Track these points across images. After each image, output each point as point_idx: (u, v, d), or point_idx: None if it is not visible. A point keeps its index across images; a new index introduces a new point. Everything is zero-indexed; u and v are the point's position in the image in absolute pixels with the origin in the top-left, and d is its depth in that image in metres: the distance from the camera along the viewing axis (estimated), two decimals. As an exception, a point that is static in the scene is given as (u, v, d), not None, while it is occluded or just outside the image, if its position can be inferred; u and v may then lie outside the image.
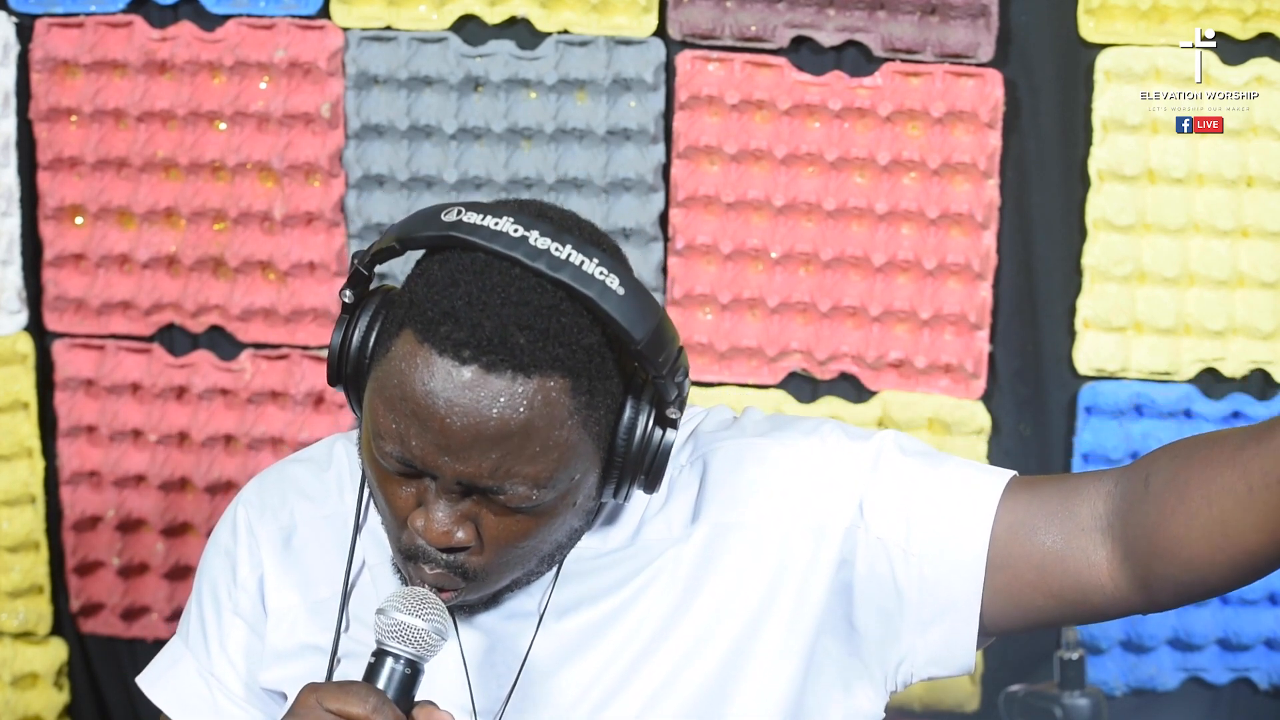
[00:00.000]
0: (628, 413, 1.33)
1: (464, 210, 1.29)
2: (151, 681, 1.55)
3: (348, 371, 1.35)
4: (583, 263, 1.27)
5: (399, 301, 1.32)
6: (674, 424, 1.34)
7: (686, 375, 1.34)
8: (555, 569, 1.43)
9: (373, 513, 1.46)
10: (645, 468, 1.35)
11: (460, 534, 1.31)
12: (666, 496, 1.45)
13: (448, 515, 1.30)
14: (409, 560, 1.34)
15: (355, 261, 1.36)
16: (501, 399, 1.25)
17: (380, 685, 1.26)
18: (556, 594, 1.43)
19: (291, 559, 1.50)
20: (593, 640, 1.42)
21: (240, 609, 1.51)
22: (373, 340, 1.34)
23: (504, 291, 1.26)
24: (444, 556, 1.32)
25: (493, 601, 1.41)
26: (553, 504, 1.32)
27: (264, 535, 1.51)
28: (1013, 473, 1.41)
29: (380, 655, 1.28)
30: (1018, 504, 1.37)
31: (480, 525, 1.32)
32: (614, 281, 1.28)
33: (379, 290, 1.37)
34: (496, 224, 1.27)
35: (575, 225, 1.34)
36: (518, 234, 1.27)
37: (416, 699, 1.28)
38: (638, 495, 1.43)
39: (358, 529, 1.46)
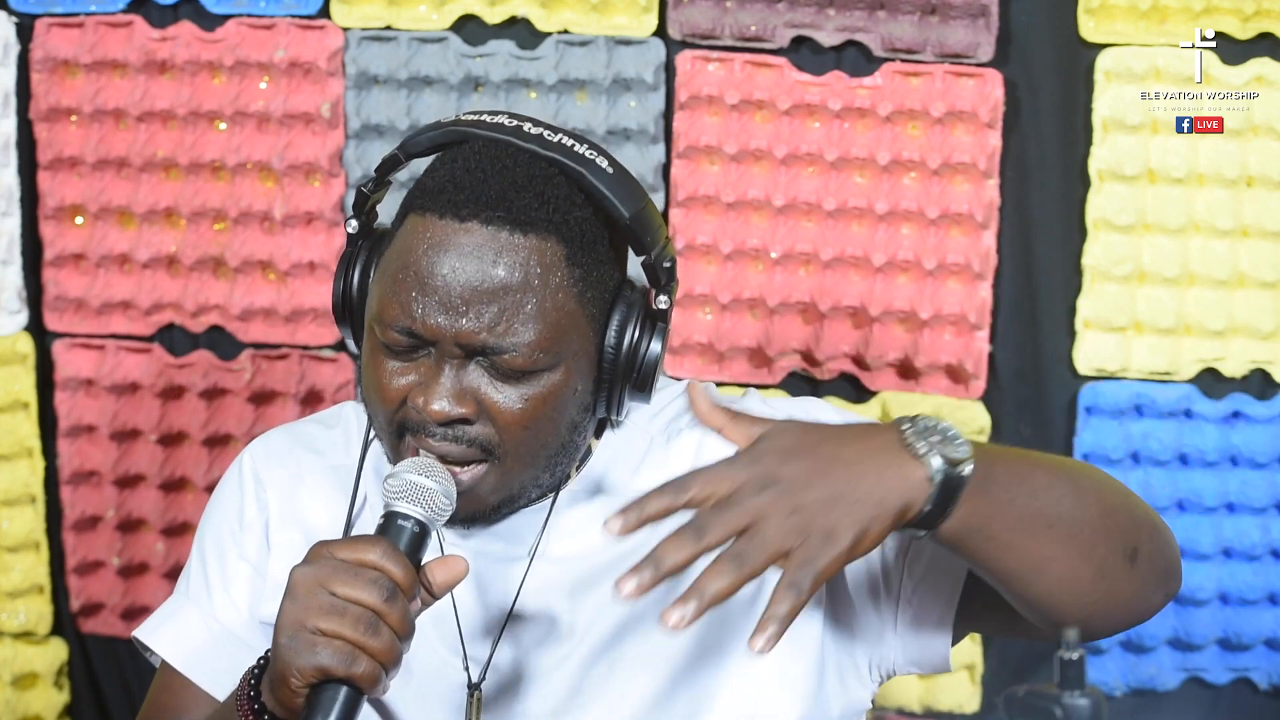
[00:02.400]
0: (620, 308, 1.38)
1: (462, 114, 1.41)
2: (150, 631, 1.55)
3: (354, 302, 1.41)
4: (573, 145, 1.37)
5: (400, 205, 1.40)
6: (664, 317, 1.40)
7: (674, 264, 1.40)
8: (548, 509, 1.44)
9: (376, 455, 1.47)
10: (636, 367, 1.39)
11: (460, 408, 1.34)
12: (665, 453, 1.47)
13: (448, 388, 1.34)
14: (410, 434, 1.36)
15: (361, 188, 1.43)
16: (499, 254, 1.32)
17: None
18: (548, 538, 1.45)
19: (297, 502, 1.53)
20: (587, 587, 1.44)
21: (245, 552, 1.53)
22: (374, 267, 1.40)
23: (500, 163, 1.35)
24: (447, 431, 1.35)
25: (495, 512, 1.42)
26: (554, 382, 1.35)
27: (270, 480, 1.54)
28: None
29: (390, 516, 1.31)
30: None
31: (483, 401, 1.34)
32: (603, 162, 1.38)
33: (379, 227, 1.45)
34: (492, 118, 1.38)
35: (564, 127, 1.42)
36: (512, 124, 1.38)
37: (423, 562, 1.30)
38: (634, 443, 1.46)
39: (362, 463, 1.48)
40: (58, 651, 2.83)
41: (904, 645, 1.43)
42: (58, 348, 2.77)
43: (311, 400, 2.72)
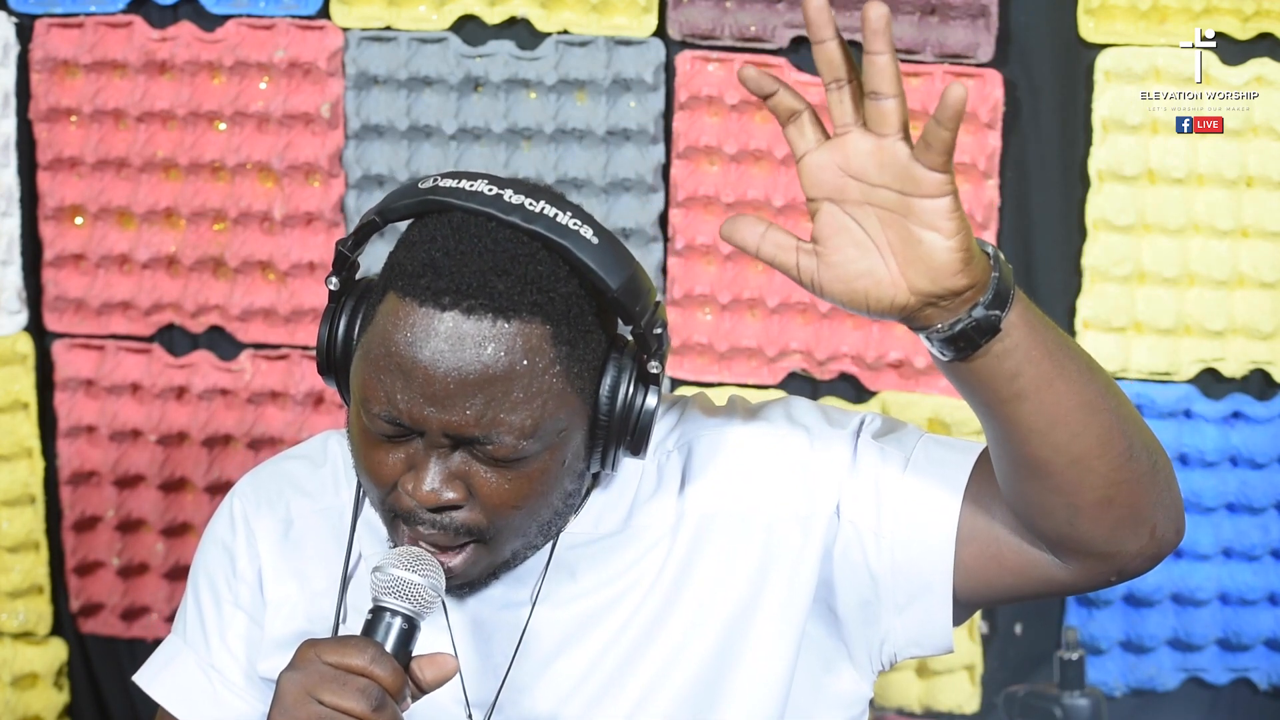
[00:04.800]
0: (610, 371, 1.36)
1: (439, 178, 1.34)
2: (150, 678, 1.55)
3: (336, 358, 1.38)
4: (556, 215, 1.31)
5: (381, 273, 1.36)
6: (656, 380, 1.36)
7: (665, 327, 1.36)
8: (548, 553, 1.43)
9: (368, 505, 1.47)
10: (630, 428, 1.36)
11: (450, 493, 1.32)
12: (656, 483, 1.46)
13: (437, 474, 1.32)
14: (403, 521, 1.35)
15: (339, 246, 1.39)
16: (483, 344, 1.28)
17: (378, 639, 1.28)
18: (549, 581, 1.43)
19: (289, 551, 1.51)
20: (588, 629, 1.43)
21: (240, 601, 1.51)
22: (358, 324, 1.37)
23: (481, 242, 1.30)
24: (436, 518, 1.33)
25: (490, 580, 1.42)
26: (543, 460, 1.33)
27: (261, 529, 1.52)
28: (982, 446, 1.42)
29: (377, 611, 1.29)
30: (983, 481, 1.38)
31: (472, 485, 1.33)
32: (588, 232, 1.32)
33: (363, 279, 1.40)
34: (471, 185, 1.32)
35: (547, 188, 1.37)
36: (492, 192, 1.31)
37: (413, 654, 1.30)
38: (628, 479, 1.45)
39: (355, 520, 1.47)
40: (57, 652, 2.83)
41: (903, 624, 1.42)
42: (57, 348, 2.77)
43: (311, 400, 2.72)
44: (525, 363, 1.29)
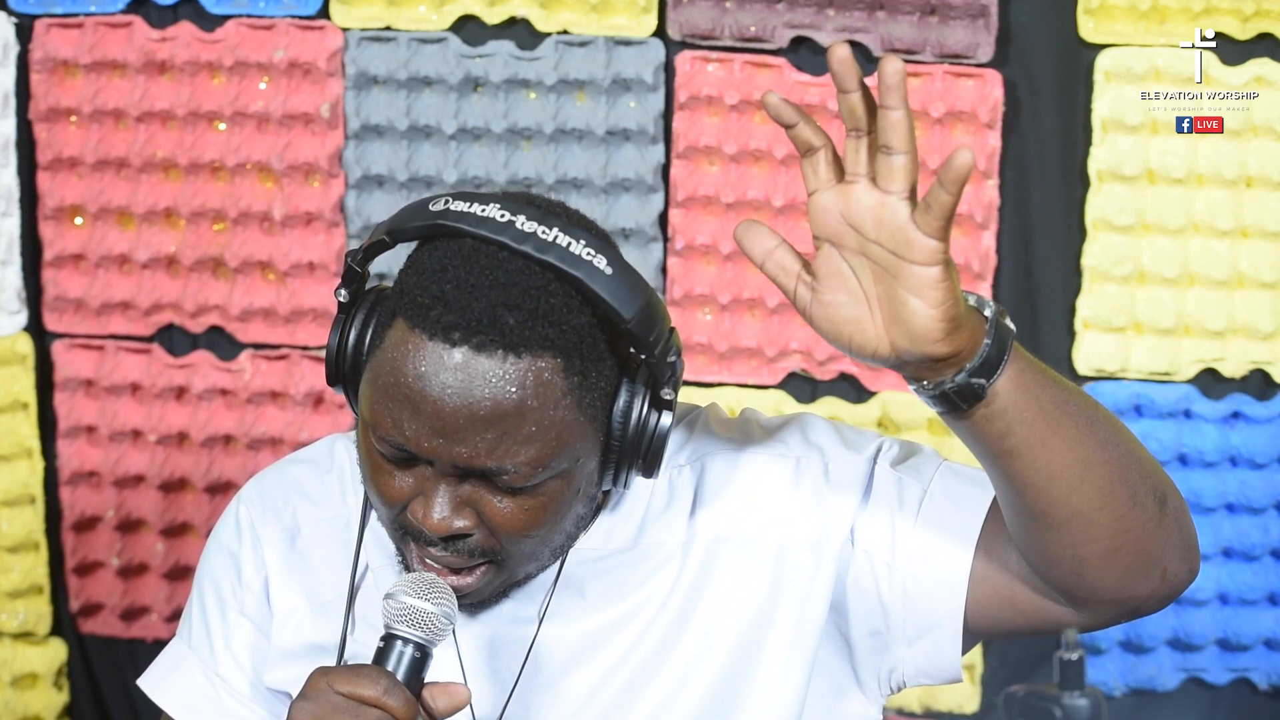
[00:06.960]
0: (623, 395, 1.34)
1: (451, 199, 1.31)
2: (155, 684, 1.53)
3: (345, 369, 1.36)
4: (569, 244, 1.28)
5: (391, 294, 1.34)
6: (670, 405, 1.35)
7: (679, 354, 1.34)
8: (557, 570, 1.42)
9: (374, 517, 1.46)
10: (643, 451, 1.35)
11: (460, 521, 1.31)
12: (668, 500, 1.44)
13: (447, 502, 1.31)
14: (411, 540, 1.34)
15: (349, 259, 1.37)
16: (493, 379, 1.26)
17: (390, 668, 1.27)
18: (558, 598, 1.42)
19: (295, 560, 1.50)
20: (597, 647, 1.42)
21: (246, 609, 1.50)
22: (368, 336, 1.35)
23: (492, 274, 1.27)
24: (447, 543, 1.32)
25: (500, 597, 1.41)
26: (555, 489, 1.32)
27: (267, 536, 1.51)
28: None
29: (389, 639, 1.28)
30: (998, 521, 1.37)
31: (482, 512, 1.32)
32: (601, 262, 1.28)
33: (373, 289, 1.38)
34: (483, 210, 1.29)
35: (562, 211, 1.35)
36: (504, 219, 1.28)
37: (425, 681, 1.29)
38: (639, 494, 1.43)
39: (363, 531, 1.46)
40: (57, 652, 2.83)
41: (912, 655, 1.41)
42: (57, 348, 2.77)
43: (311, 400, 2.72)
44: (536, 397, 1.27)
